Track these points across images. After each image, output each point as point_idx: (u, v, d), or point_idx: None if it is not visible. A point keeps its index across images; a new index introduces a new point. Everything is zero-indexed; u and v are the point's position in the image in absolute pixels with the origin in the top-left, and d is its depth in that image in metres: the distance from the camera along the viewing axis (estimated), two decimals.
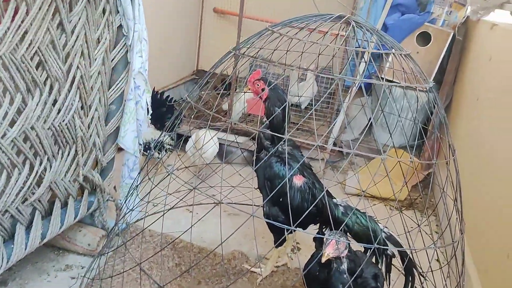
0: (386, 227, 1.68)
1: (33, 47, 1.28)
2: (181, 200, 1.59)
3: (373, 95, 3.45)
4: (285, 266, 1.95)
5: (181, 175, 1.73)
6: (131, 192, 1.69)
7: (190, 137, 2.63)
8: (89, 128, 1.67)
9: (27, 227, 1.49)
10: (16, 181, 1.37)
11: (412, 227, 1.73)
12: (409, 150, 2.64)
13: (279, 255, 1.92)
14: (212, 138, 2.50)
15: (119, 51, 1.71)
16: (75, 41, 1.46)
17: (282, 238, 1.77)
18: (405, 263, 1.56)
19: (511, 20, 2.62)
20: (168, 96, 2.74)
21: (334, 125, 3.00)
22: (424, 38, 3.22)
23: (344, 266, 1.37)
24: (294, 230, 1.80)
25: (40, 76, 1.35)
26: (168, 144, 2.50)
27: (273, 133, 1.53)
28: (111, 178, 1.88)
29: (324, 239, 1.36)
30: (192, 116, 3.01)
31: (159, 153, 2.34)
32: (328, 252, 1.32)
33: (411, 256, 1.59)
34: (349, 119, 3.22)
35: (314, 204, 1.70)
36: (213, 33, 4.11)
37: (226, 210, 2.32)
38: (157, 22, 3.14)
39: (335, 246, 1.33)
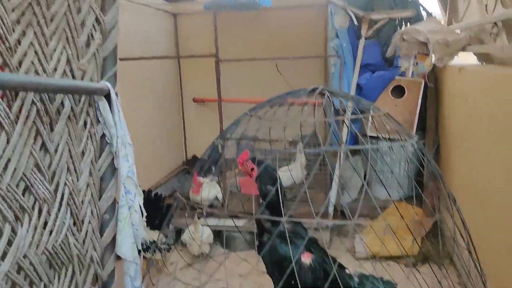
0: None
1: (18, 173, 1.27)
2: None
3: (361, 153, 3.47)
4: None
5: (187, 272, 1.65)
6: None
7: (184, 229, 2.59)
8: (84, 243, 1.61)
9: None
10: None
11: (432, 283, 1.65)
12: (409, 201, 2.60)
13: None
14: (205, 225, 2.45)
15: (105, 160, 1.71)
16: (60, 160, 1.46)
17: None
18: None
19: (476, 61, 2.74)
20: (156, 194, 2.73)
21: (330, 191, 2.97)
22: (399, 91, 3.33)
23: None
24: None
25: (28, 202, 1.33)
26: (163, 243, 2.43)
27: (271, 217, 1.50)
28: None
29: None
30: (185, 209, 2.96)
31: (152, 254, 2.26)
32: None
33: None
34: (344, 181, 3.20)
35: (328, 281, 1.63)
36: (197, 121, 4.22)
37: None
38: (140, 121, 3.21)
39: None
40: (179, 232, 2.94)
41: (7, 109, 1.21)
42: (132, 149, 1.75)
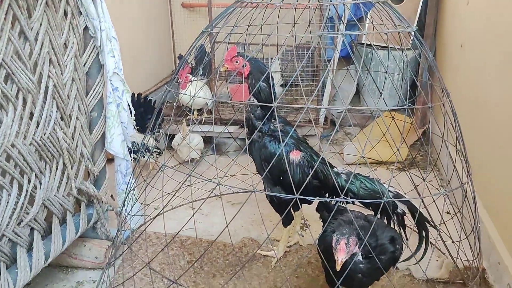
0: (392, 186, 1.64)
1: None
2: (183, 198, 1.54)
3: (355, 63, 3.41)
4: (297, 245, 1.91)
5: (175, 174, 1.69)
6: (128, 197, 1.64)
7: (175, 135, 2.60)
8: (73, 138, 1.61)
9: (28, 249, 1.44)
10: (7, 202, 1.31)
11: (417, 185, 1.70)
12: (401, 112, 2.61)
13: (290, 235, 1.89)
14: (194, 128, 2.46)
15: (90, 54, 1.65)
16: (41, 49, 1.40)
17: (287, 216, 1.73)
18: (416, 218, 1.53)
19: None
20: (146, 97, 2.69)
21: (322, 99, 2.96)
22: None
23: (359, 256, 1.27)
24: (300, 206, 1.77)
25: (11, 90, 1.29)
26: (154, 147, 2.44)
27: (262, 103, 1.47)
28: (106, 187, 1.82)
29: (333, 244, 1.21)
30: (175, 114, 2.95)
31: (143, 157, 2.28)
32: (341, 258, 1.19)
33: (421, 211, 1.56)
34: (336, 89, 3.17)
35: (315, 177, 1.67)
36: (185, 28, 4.04)
37: (229, 200, 2.27)
38: (126, 27, 3.06)
39: (346, 250, 1.20)
40: (169, 138, 2.96)
41: None
42: (117, 44, 1.68)
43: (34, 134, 1.40)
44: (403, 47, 1.56)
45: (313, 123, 2.85)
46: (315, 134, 2.79)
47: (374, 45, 3.19)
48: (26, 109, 1.36)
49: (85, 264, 1.78)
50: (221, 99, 3.00)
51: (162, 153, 2.67)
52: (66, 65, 1.53)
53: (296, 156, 1.64)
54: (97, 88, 1.70)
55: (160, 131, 2.65)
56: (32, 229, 1.45)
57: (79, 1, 1.55)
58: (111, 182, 1.89)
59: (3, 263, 1.33)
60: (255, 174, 1.93)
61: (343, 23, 2.45)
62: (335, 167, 1.73)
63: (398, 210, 1.64)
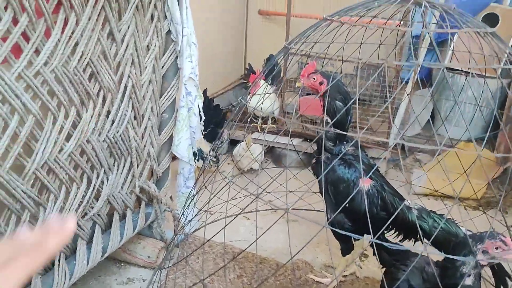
0: (469, 230, 1.50)
1: (85, 58, 1.26)
2: (241, 209, 1.51)
3: (434, 86, 3.21)
4: (353, 275, 1.81)
5: (236, 182, 1.66)
6: (188, 202, 1.64)
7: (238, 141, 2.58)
8: (142, 138, 1.63)
9: (88, 242, 1.47)
10: (75, 195, 1.35)
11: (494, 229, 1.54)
12: (479, 143, 2.41)
13: (347, 264, 1.79)
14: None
15: (169, 57, 1.67)
16: (125, 50, 1.43)
17: (347, 245, 1.64)
18: (495, 270, 1.37)
19: None
20: (217, 104, 2.70)
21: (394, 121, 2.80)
22: (491, 20, 2.94)
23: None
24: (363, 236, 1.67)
25: (93, 88, 1.32)
26: (216, 155, 2.43)
27: (338, 131, 1.40)
28: (167, 188, 1.84)
29: None
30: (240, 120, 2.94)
31: (210, 162, 2.26)
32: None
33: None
34: (410, 114, 3.01)
35: (384, 208, 1.56)
36: (260, 35, 4.04)
37: (285, 216, 2.21)
38: (203, 27, 3.11)
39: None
40: (232, 144, 2.97)
41: None
42: (196, 49, 1.68)
43: (108, 132, 1.43)
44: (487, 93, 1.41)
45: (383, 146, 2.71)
46: (383, 158, 2.66)
47: (458, 70, 2.99)
48: (104, 107, 1.39)
49: (138, 262, 1.80)
50: (288, 109, 2.95)
51: (219, 160, 2.65)
52: (146, 67, 1.56)
53: (366, 184, 1.54)
54: (172, 90, 1.71)
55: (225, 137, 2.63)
56: (94, 223, 1.49)
57: (166, 6, 1.57)
58: (172, 183, 1.91)
59: (63, 254, 1.37)
60: (315, 192, 1.86)
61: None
62: (406, 200, 1.61)
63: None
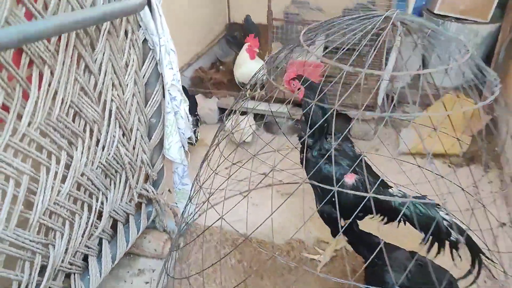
0: (447, 213, 1.61)
1: (66, 103, 1.26)
2: (257, 183, 1.60)
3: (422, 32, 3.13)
4: (344, 249, 1.96)
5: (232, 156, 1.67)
6: (188, 202, 1.72)
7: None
8: (134, 149, 1.68)
9: (97, 256, 1.59)
10: (79, 225, 1.43)
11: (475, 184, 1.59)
12: (467, 91, 2.42)
13: (336, 244, 1.94)
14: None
15: (149, 65, 1.65)
16: (104, 77, 1.42)
17: (336, 228, 1.77)
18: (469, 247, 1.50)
19: None
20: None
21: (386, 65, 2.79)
22: None
23: None
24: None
25: (79, 126, 1.35)
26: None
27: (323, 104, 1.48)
28: (163, 184, 1.92)
29: None
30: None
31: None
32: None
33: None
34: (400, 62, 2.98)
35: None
36: None
37: (279, 190, 2.33)
38: None
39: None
40: (222, 111, 2.99)
41: (46, 42, 1.13)
42: (175, 55, 1.65)
43: (100, 158, 1.48)
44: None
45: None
46: (372, 118, 2.71)
47: (446, 17, 2.91)
48: (93, 138, 1.42)
49: (146, 254, 1.95)
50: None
51: (195, 145, 2.61)
52: (127, 84, 1.55)
53: (350, 179, 1.63)
54: (156, 96, 1.72)
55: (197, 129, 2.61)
56: (100, 239, 1.60)
57: (138, 16, 1.52)
58: (169, 175, 1.97)
59: (77, 274, 1.50)
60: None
61: None
62: (391, 187, 1.71)
63: (452, 238, 1.63)
